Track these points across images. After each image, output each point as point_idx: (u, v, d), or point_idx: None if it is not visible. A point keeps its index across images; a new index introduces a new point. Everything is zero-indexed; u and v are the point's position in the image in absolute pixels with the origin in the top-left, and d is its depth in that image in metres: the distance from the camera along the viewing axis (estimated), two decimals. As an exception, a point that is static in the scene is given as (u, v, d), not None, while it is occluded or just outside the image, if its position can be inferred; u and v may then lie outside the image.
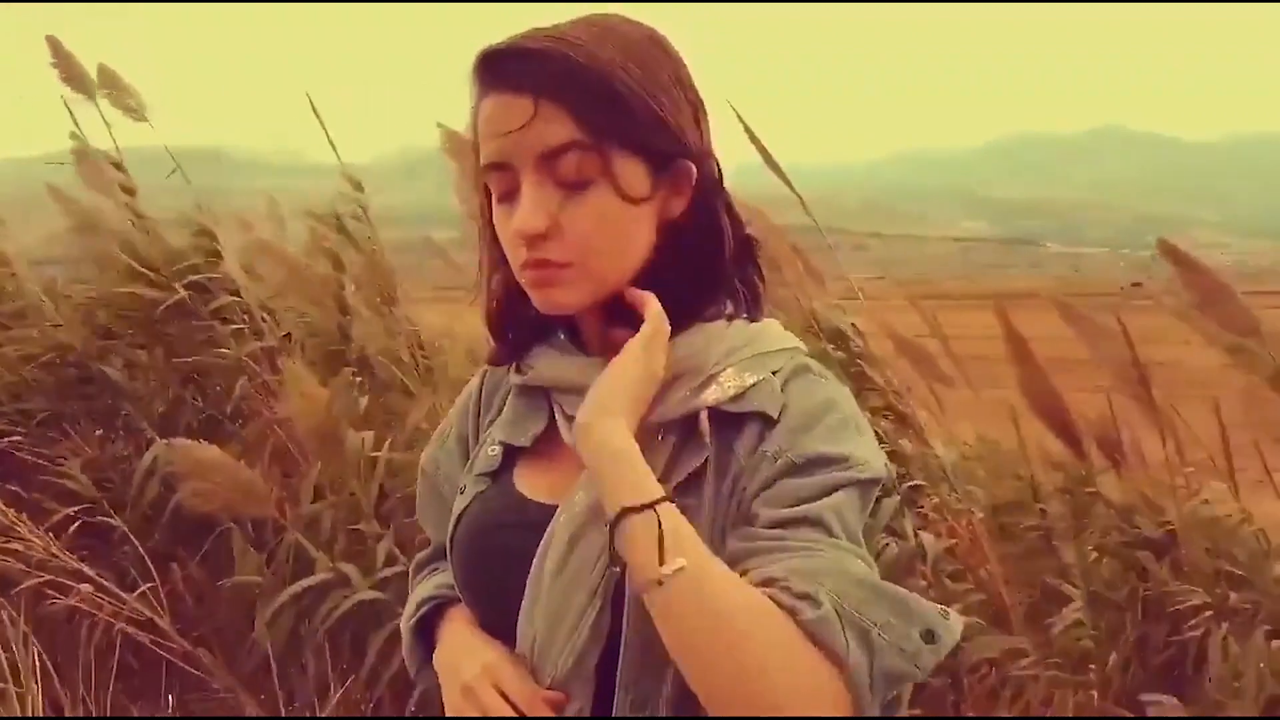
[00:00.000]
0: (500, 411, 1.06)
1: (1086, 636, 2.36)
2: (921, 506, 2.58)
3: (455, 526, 1.02)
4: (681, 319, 0.93)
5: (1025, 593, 2.53)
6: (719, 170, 0.96)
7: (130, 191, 3.54)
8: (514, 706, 0.90)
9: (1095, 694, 2.29)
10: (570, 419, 0.94)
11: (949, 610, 0.84)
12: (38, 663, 2.48)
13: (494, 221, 0.94)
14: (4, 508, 2.71)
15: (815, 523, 0.85)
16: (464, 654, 0.97)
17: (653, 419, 0.91)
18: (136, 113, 3.58)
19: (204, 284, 3.37)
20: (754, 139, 2.52)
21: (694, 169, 0.92)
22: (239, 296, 3.35)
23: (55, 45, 3.56)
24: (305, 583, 2.67)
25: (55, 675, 2.55)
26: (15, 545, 2.65)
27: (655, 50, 0.92)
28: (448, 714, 0.97)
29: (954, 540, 2.47)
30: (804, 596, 0.78)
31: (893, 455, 2.61)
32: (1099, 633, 2.36)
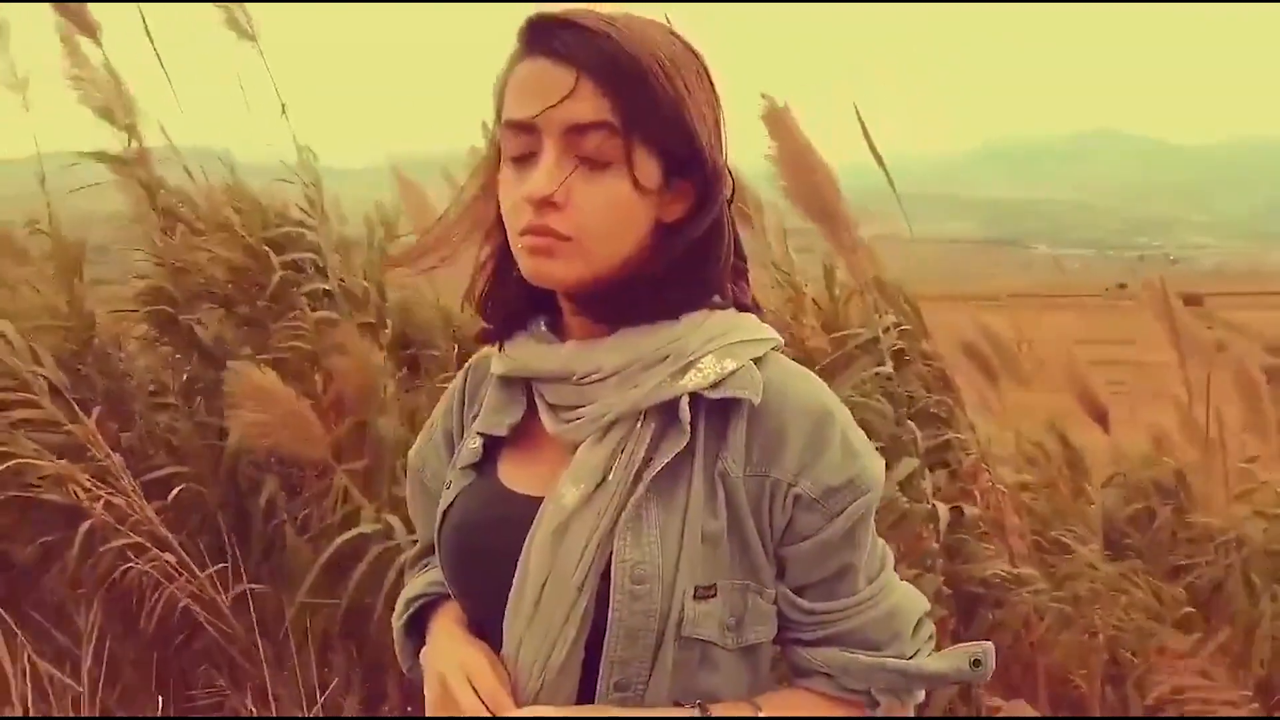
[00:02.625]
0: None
1: (1099, 580, 2.41)
2: (952, 466, 2.61)
3: (441, 522, 1.02)
4: (666, 314, 0.94)
5: (1049, 556, 2.60)
6: (732, 189, 0.97)
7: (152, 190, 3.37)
8: (484, 704, 0.92)
9: (1101, 638, 2.36)
10: (551, 407, 0.97)
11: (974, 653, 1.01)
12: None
13: (499, 183, 0.94)
14: (111, 451, 2.69)
15: (843, 576, 0.96)
16: (444, 651, 0.99)
17: (632, 404, 0.92)
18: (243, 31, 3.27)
19: (298, 262, 3.21)
20: (866, 135, 2.66)
21: (704, 179, 0.93)
22: (327, 278, 3.20)
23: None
24: (354, 532, 2.64)
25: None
26: (118, 500, 2.63)
27: (693, 62, 0.94)
28: (426, 709, 0.99)
29: (984, 507, 2.53)
30: (856, 691, 0.98)
31: (934, 417, 2.64)
32: (1109, 576, 2.41)
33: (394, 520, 2.66)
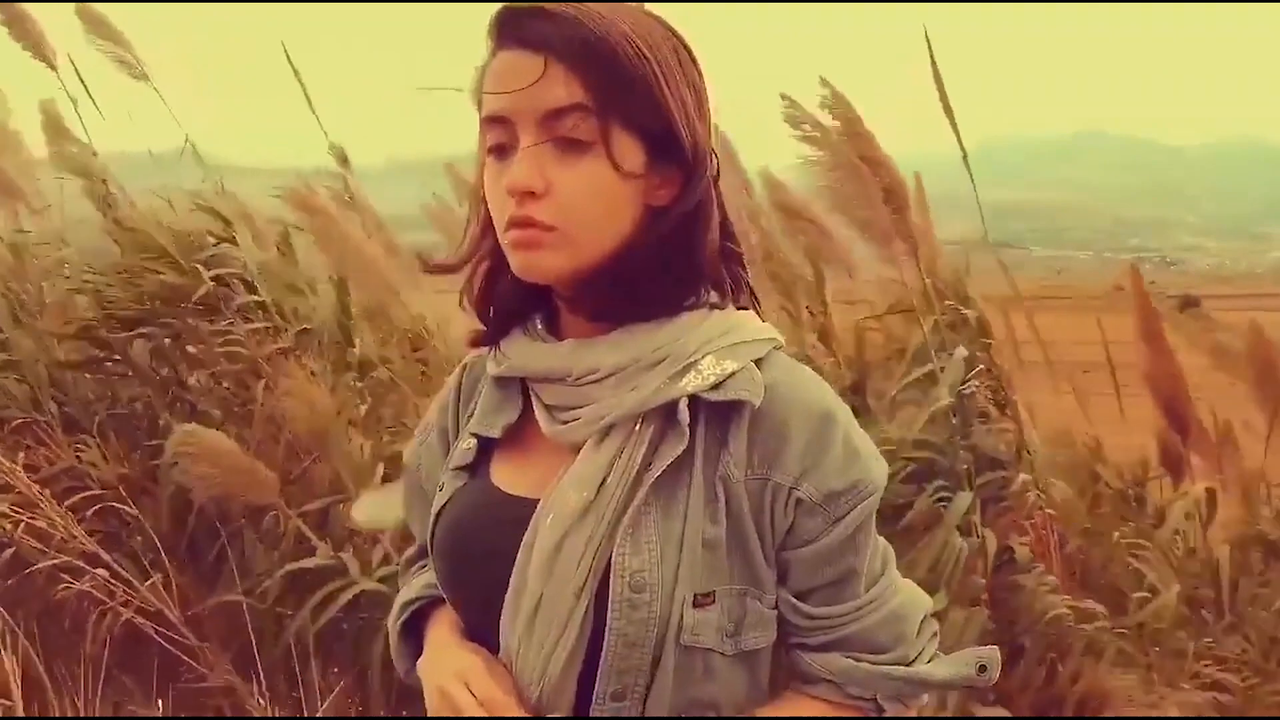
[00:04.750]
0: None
1: (1168, 621, 2.34)
2: (1007, 502, 2.52)
3: (434, 523, 1.01)
4: (660, 307, 0.93)
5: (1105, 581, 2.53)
6: (716, 167, 0.96)
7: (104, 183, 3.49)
8: (485, 709, 0.91)
9: (1156, 676, 2.29)
10: (547, 408, 0.95)
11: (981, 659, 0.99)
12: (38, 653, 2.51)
13: (484, 178, 0.94)
14: (29, 482, 2.74)
15: (846, 580, 0.95)
16: (442, 657, 0.98)
17: (631, 407, 0.91)
18: (135, 69, 3.45)
19: (223, 276, 3.32)
20: (949, 112, 2.65)
21: (688, 161, 0.92)
22: (256, 294, 3.30)
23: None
24: (304, 563, 2.77)
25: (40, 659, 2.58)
26: (40, 523, 2.68)
27: (669, 42, 0.93)
28: (427, 715, 0.98)
29: (1031, 539, 2.44)
30: (861, 699, 0.97)
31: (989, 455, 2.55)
32: (1179, 618, 2.35)
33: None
